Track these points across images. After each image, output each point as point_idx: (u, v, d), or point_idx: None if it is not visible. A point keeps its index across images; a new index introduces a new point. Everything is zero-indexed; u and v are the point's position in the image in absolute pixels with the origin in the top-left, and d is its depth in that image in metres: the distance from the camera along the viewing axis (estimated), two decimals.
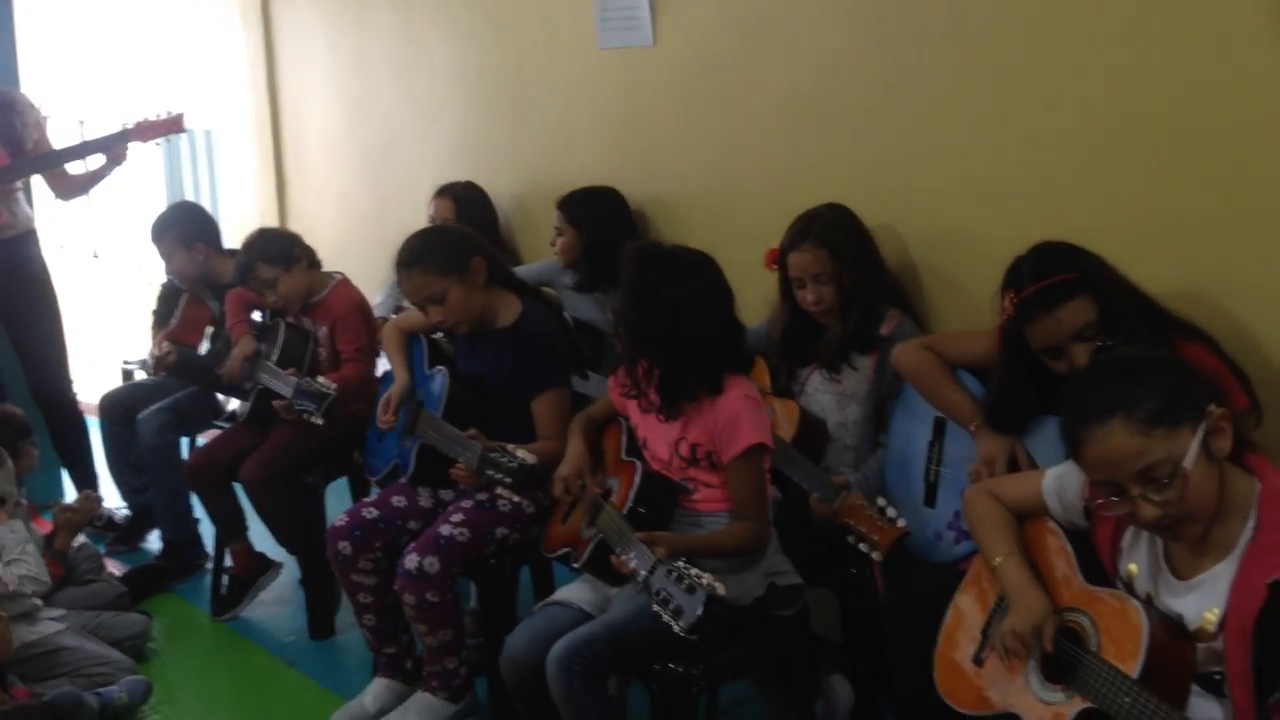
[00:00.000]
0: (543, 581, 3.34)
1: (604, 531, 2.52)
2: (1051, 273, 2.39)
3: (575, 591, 2.71)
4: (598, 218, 3.77)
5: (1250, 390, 2.37)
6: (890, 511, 2.68)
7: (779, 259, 3.02)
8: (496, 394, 3.10)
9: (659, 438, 2.66)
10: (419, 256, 3.03)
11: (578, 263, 3.78)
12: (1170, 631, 1.86)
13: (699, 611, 2.18)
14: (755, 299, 2.99)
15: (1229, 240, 2.48)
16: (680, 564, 2.26)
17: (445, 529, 2.98)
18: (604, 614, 2.61)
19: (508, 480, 2.76)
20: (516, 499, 2.84)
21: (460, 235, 3.16)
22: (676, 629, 2.21)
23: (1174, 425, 1.76)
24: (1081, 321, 2.36)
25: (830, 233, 2.94)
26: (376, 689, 3.24)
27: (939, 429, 2.81)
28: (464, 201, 4.12)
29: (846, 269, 2.92)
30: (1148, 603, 1.92)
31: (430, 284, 3.01)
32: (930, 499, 2.81)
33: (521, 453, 2.76)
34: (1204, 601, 1.85)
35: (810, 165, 3.34)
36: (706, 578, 2.20)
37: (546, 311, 3.16)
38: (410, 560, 2.94)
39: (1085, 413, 1.80)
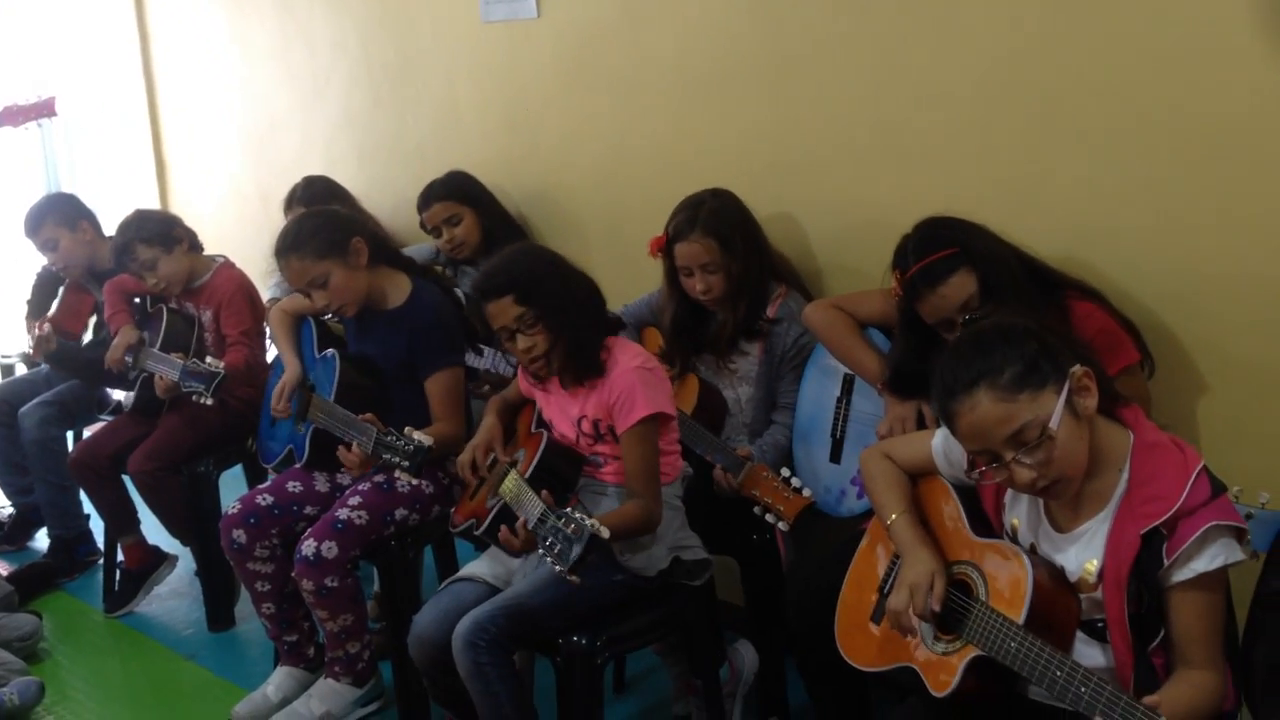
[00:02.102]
0: (446, 561, 3.31)
1: (506, 497, 2.51)
2: (932, 250, 2.44)
3: (480, 566, 2.70)
4: (480, 194, 3.74)
5: (1142, 344, 2.45)
6: (795, 481, 2.72)
7: (665, 247, 3.00)
8: (390, 375, 3.06)
9: (562, 417, 2.66)
10: (295, 243, 2.97)
11: (480, 246, 3.73)
12: (1053, 579, 1.92)
13: (579, 550, 2.18)
14: (639, 272, 2.99)
15: (1107, 199, 2.55)
16: (567, 510, 2.26)
17: (342, 513, 2.94)
18: (508, 588, 2.60)
19: (404, 463, 2.72)
20: (415, 480, 2.81)
21: (337, 217, 3.11)
22: (559, 571, 2.21)
23: (1038, 388, 1.80)
24: (965, 295, 2.42)
25: (717, 222, 2.92)
26: (279, 678, 3.20)
27: (847, 386, 2.86)
28: (317, 200, 3.89)
29: (735, 258, 2.92)
30: (1032, 552, 1.97)
31: (310, 269, 2.96)
32: (836, 455, 2.86)
33: (417, 435, 2.73)
34: (1083, 553, 1.91)
35: (702, 137, 3.34)
36: (591, 521, 2.20)
37: (437, 289, 3.11)
38: (307, 546, 2.89)
39: (952, 386, 1.84)
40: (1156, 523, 1.79)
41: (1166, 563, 1.79)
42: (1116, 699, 1.64)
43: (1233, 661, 1.91)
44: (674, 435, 2.65)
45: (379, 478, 3.02)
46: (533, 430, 2.73)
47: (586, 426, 2.61)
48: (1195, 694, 1.76)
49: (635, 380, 2.53)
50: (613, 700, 3.28)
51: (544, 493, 2.36)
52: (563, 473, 2.60)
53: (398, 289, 3.06)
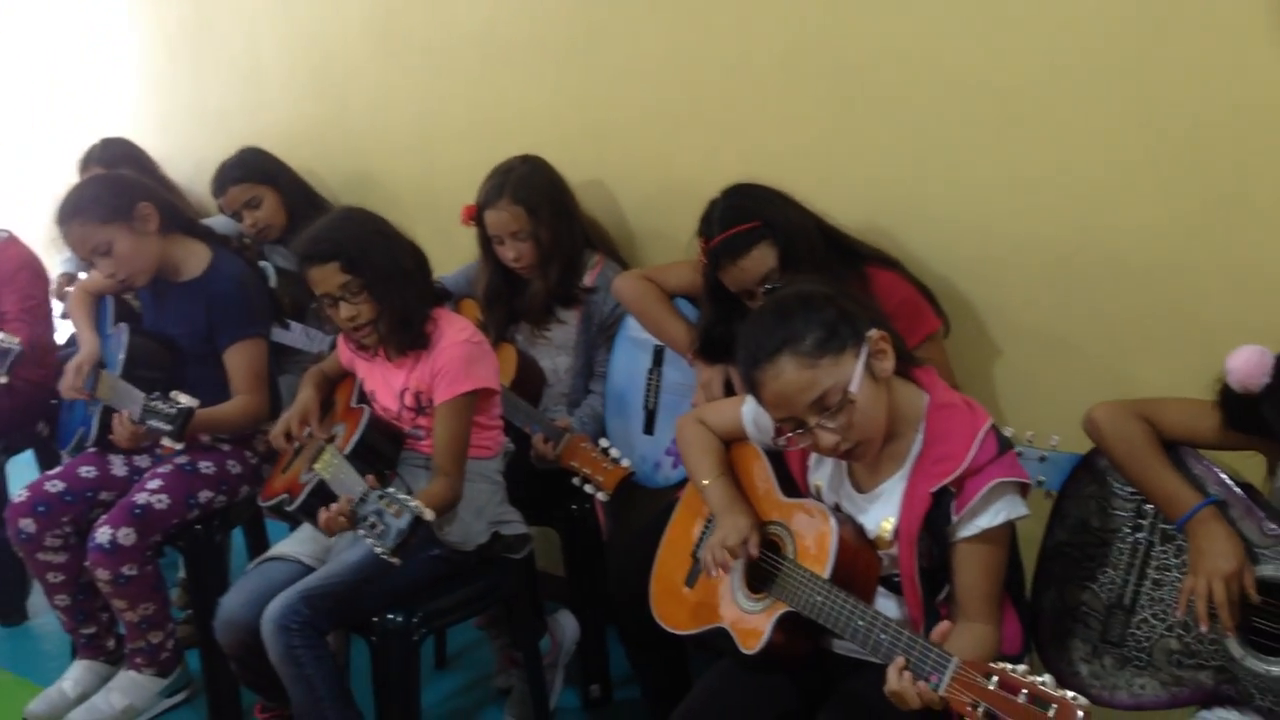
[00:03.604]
0: (257, 544, 3.21)
1: (323, 474, 2.42)
2: (735, 222, 2.46)
3: (292, 545, 2.61)
4: (279, 171, 3.61)
5: (940, 310, 2.53)
6: (614, 452, 2.73)
7: (476, 215, 2.97)
8: (189, 349, 2.92)
9: (386, 389, 2.60)
10: (77, 208, 2.80)
11: (286, 226, 3.60)
12: (856, 536, 1.97)
13: (403, 529, 2.13)
14: (453, 242, 2.95)
15: (905, 166, 2.63)
16: (390, 490, 2.21)
17: (141, 497, 2.81)
18: (323, 567, 2.52)
19: (167, 428, 2.60)
20: (179, 447, 2.67)
21: (122, 181, 2.93)
22: (379, 551, 2.16)
23: (838, 353, 1.84)
24: (765, 268, 2.46)
25: (525, 189, 2.91)
26: (76, 672, 3.05)
27: (658, 357, 2.87)
28: (116, 162, 3.75)
29: (543, 224, 2.91)
30: (836, 510, 2.02)
31: (92, 235, 2.79)
32: (649, 427, 2.88)
33: (184, 398, 2.61)
34: (881, 512, 1.96)
35: (514, 104, 3.30)
36: (415, 502, 2.16)
37: (238, 259, 2.98)
38: (102, 533, 2.75)
39: (756, 355, 1.86)
40: (945, 481, 1.85)
41: (954, 519, 1.85)
42: (913, 642, 1.70)
43: (1021, 609, 2.01)
44: (496, 411, 2.63)
45: (182, 459, 2.89)
46: (353, 405, 2.65)
47: (409, 399, 2.56)
48: (976, 642, 1.83)
49: (461, 353, 2.49)
50: (434, 676, 3.25)
51: (369, 477, 2.29)
52: (383, 450, 2.54)
53: (194, 259, 2.92)
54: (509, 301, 3.04)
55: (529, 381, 2.99)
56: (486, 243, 2.99)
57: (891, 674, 1.69)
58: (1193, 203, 2.26)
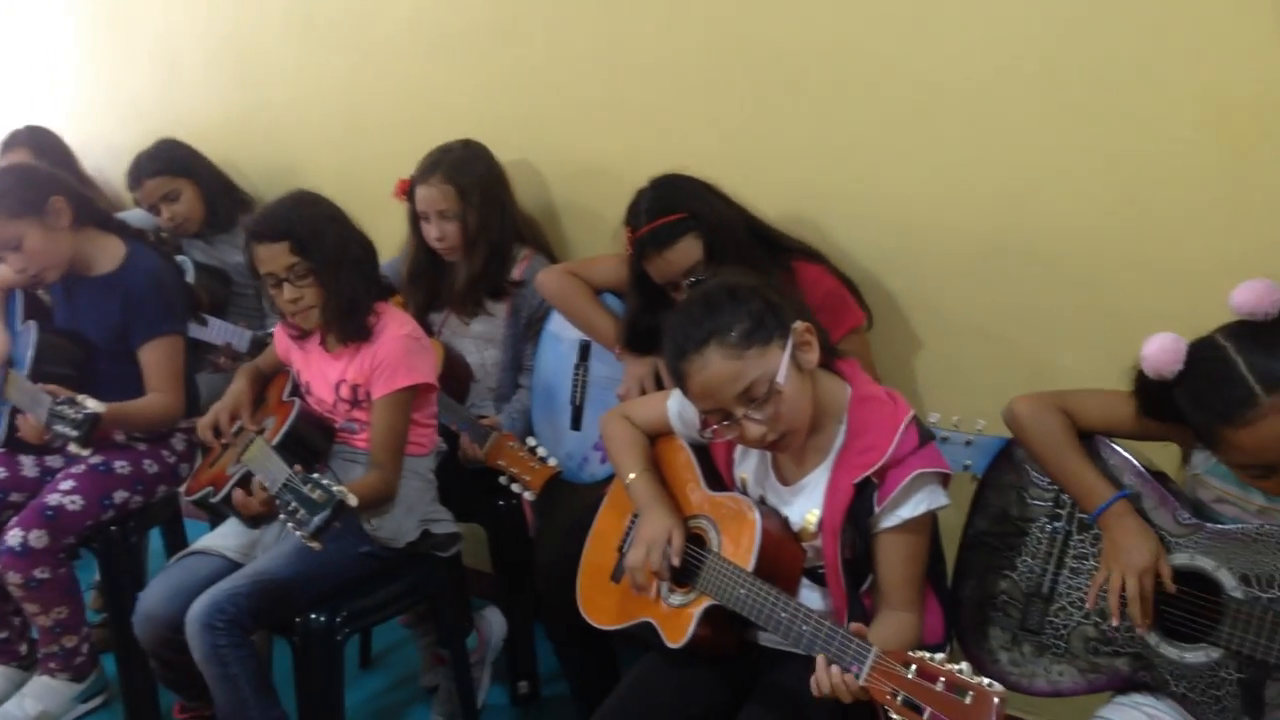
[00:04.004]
0: (176, 545, 3.15)
1: (250, 465, 2.37)
2: (662, 213, 2.46)
3: (217, 539, 2.56)
4: (196, 163, 3.53)
5: (864, 303, 2.55)
6: (541, 451, 2.71)
7: (409, 190, 2.95)
8: (103, 346, 2.85)
9: (322, 381, 2.56)
10: None
11: (205, 219, 3.52)
12: (780, 529, 1.98)
13: (324, 515, 2.10)
14: (377, 235, 2.89)
15: (828, 159, 2.64)
16: (314, 476, 2.17)
17: (53, 498, 2.74)
18: (250, 563, 2.47)
19: (74, 434, 2.53)
20: (85, 453, 2.59)
21: (33, 173, 2.84)
22: (301, 536, 2.12)
23: (764, 344, 1.84)
24: (691, 260, 2.45)
25: (459, 170, 2.89)
26: None
27: (584, 352, 2.86)
28: (42, 149, 3.66)
29: (472, 208, 2.89)
30: (761, 503, 2.03)
31: (1, 230, 2.71)
32: (577, 423, 2.86)
33: (92, 403, 2.54)
34: (806, 504, 1.97)
35: (438, 97, 3.27)
36: (338, 487, 2.12)
37: (154, 254, 2.91)
38: (12, 536, 2.68)
39: (683, 346, 1.86)
40: (868, 472, 1.86)
41: (877, 510, 1.86)
42: (834, 633, 1.70)
43: (943, 598, 2.03)
44: (432, 409, 2.60)
45: (96, 459, 2.82)
46: (285, 398, 2.61)
47: (345, 391, 2.52)
48: (898, 631, 1.85)
49: (402, 348, 2.47)
50: (359, 676, 3.21)
51: (296, 466, 2.25)
52: (312, 442, 2.50)
53: (108, 253, 2.85)
54: (432, 283, 3.01)
55: (456, 377, 2.96)
56: (415, 219, 2.96)
57: (820, 675, 1.69)
58: (1109, 196, 2.30)
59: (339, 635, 2.45)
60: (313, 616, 2.41)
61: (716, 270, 2.34)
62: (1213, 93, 2.16)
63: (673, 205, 2.46)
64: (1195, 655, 1.81)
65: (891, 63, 2.50)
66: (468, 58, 3.19)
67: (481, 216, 2.89)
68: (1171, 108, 2.20)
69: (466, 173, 2.89)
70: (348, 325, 2.48)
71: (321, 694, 2.46)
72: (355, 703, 2.99)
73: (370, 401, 2.49)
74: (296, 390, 2.64)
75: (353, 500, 2.12)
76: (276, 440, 2.42)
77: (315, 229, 2.43)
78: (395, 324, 2.51)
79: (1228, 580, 1.78)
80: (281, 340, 2.67)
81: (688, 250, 2.45)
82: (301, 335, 2.56)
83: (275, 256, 2.42)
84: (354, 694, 2.76)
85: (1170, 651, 1.83)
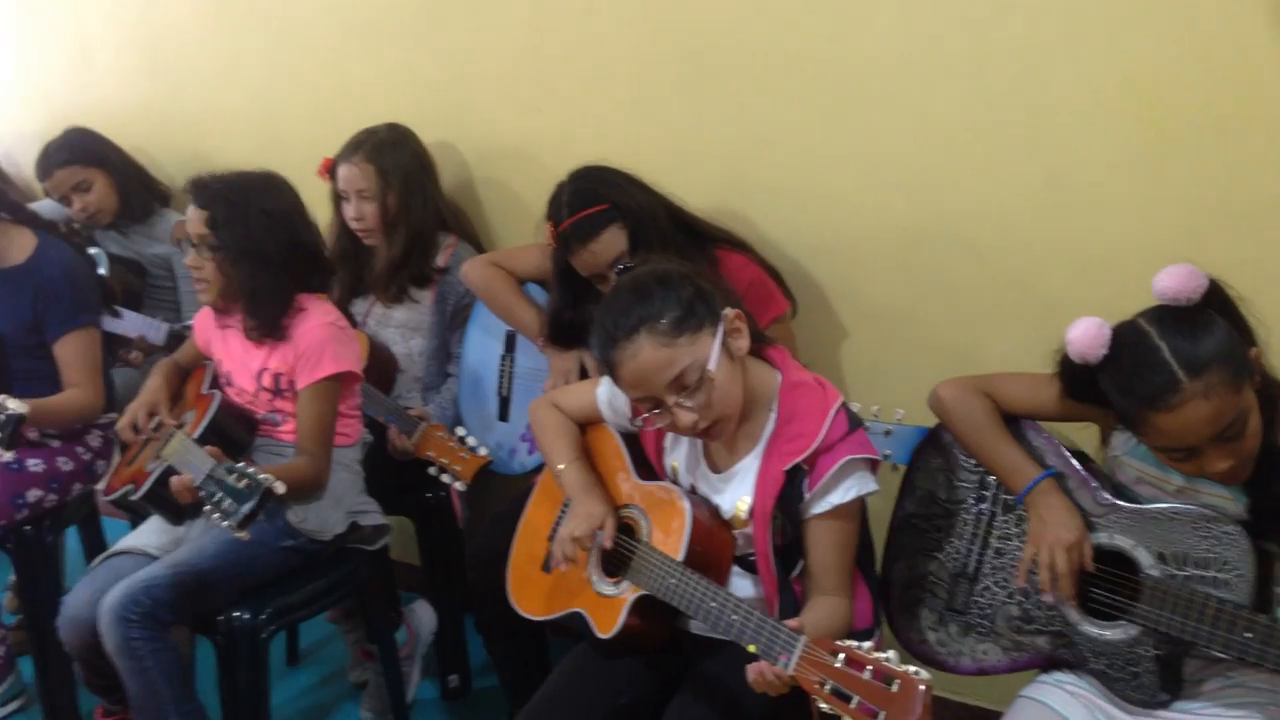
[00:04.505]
0: (94, 544, 3.08)
1: (171, 459, 2.32)
2: (585, 206, 2.44)
3: (141, 537, 2.50)
4: (108, 152, 3.44)
5: (788, 291, 2.55)
6: (471, 440, 2.68)
7: (331, 169, 2.92)
8: (15, 340, 2.76)
9: (243, 370, 2.51)
10: None
11: (119, 209, 3.43)
12: (711, 517, 1.98)
13: (251, 505, 2.06)
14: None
15: (755, 149, 2.64)
16: (239, 465, 2.12)
17: None
18: (168, 555, 2.41)
19: None
20: (8, 455, 2.53)
21: None
22: (227, 527, 2.08)
23: (695, 331, 1.83)
24: (615, 251, 2.44)
25: (381, 152, 2.87)
26: None
27: (510, 343, 2.84)
28: None
29: (392, 190, 2.86)
30: (692, 492, 2.03)
31: None
32: (504, 413, 2.84)
33: (11, 403, 2.47)
34: (737, 491, 1.97)
35: (357, 82, 3.22)
36: (265, 475, 2.08)
37: (66, 245, 2.83)
38: None
39: (613, 334, 1.85)
40: (799, 459, 1.86)
41: (807, 496, 1.87)
42: (764, 623, 1.71)
43: (871, 583, 2.05)
44: (357, 400, 2.57)
45: (6, 457, 2.72)
46: (204, 391, 2.56)
47: (267, 380, 2.47)
48: (830, 615, 1.86)
49: (325, 336, 2.43)
50: (285, 673, 3.16)
51: (211, 448, 2.20)
52: (235, 434, 2.46)
53: (17, 245, 2.77)
54: (355, 268, 2.98)
55: (380, 368, 2.93)
56: (338, 200, 2.93)
57: (756, 679, 1.69)
58: (1031, 184, 2.33)
59: (264, 633, 2.41)
60: (236, 614, 2.37)
61: (645, 258, 2.34)
62: (1132, 79, 2.19)
63: (594, 197, 2.45)
64: (1114, 632, 1.84)
65: (815, 54, 2.51)
66: (387, 42, 3.14)
67: (402, 199, 2.86)
68: (1092, 94, 2.23)
69: (389, 155, 2.87)
70: (252, 319, 2.44)
71: (247, 694, 2.41)
72: (281, 700, 2.95)
73: (294, 392, 2.45)
74: (216, 383, 2.59)
75: (280, 487, 2.09)
76: (197, 433, 2.37)
77: (240, 213, 2.39)
78: (319, 313, 2.47)
79: (1145, 558, 1.82)
80: (202, 331, 2.61)
81: (612, 241, 2.43)
82: (224, 311, 2.51)
83: (195, 220, 2.42)
84: (280, 692, 2.71)
85: (1090, 629, 1.87)
